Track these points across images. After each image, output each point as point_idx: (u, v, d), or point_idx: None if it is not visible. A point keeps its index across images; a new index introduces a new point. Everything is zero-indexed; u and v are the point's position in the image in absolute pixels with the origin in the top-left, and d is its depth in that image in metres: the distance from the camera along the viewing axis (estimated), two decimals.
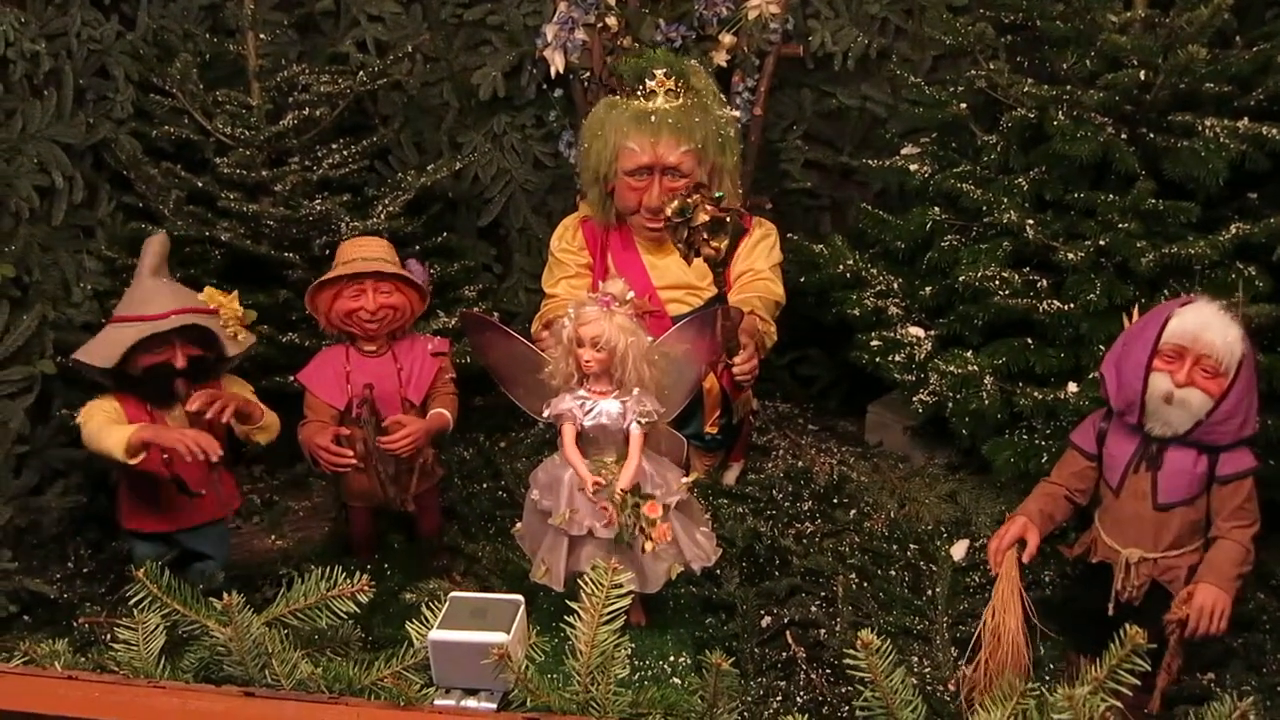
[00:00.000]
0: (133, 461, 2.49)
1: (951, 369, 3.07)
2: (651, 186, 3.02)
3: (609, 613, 1.68)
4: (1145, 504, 2.30)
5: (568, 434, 2.43)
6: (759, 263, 3.16)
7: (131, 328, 2.56)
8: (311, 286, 2.77)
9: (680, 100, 3.01)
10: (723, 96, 3.17)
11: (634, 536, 2.38)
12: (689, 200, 2.58)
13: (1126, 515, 2.34)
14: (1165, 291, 2.89)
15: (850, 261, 3.38)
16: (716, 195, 2.63)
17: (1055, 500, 2.42)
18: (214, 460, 2.50)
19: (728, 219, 2.63)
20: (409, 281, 2.77)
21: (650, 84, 3.00)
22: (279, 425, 2.79)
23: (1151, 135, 2.97)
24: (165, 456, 2.59)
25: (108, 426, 2.52)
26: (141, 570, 1.82)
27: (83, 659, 1.80)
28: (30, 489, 2.94)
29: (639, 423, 2.40)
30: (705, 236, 2.58)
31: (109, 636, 1.88)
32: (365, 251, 2.78)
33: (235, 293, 2.73)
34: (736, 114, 3.22)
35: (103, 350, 2.57)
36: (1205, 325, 2.18)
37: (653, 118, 2.98)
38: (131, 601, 1.83)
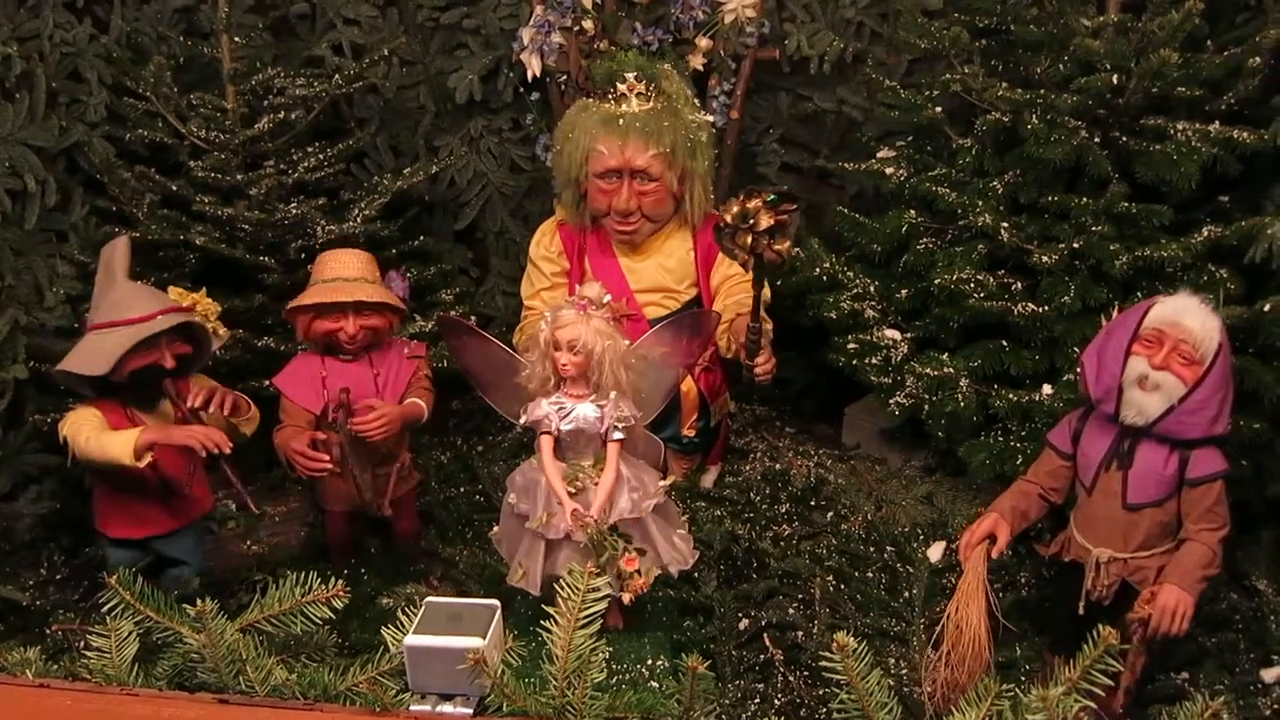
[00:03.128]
0: (141, 464, 2.45)
1: (927, 371, 3.08)
2: (621, 189, 3.03)
3: (585, 617, 1.68)
4: (1115, 503, 2.33)
5: (546, 446, 2.42)
6: None
7: (118, 332, 2.50)
8: (289, 308, 2.75)
9: (651, 104, 3.01)
10: (696, 101, 3.17)
11: (612, 577, 2.36)
12: (749, 205, 2.58)
13: (1098, 514, 2.36)
14: (1139, 294, 2.91)
15: (827, 264, 3.38)
16: (770, 198, 2.62)
17: (1029, 498, 2.45)
18: (226, 452, 2.48)
19: (789, 222, 2.62)
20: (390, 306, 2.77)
21: (621, 87, 3.00)
22: (259, 417, 2.78)
23: (1124, 139, 2.99)
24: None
25: (104, 433, 2.48)
26: (114, 577, 1.81)
27: (55, 667, 1.78)
28: (3, 495, 2.93)
29: (617, 429, 2.40)
30: (768, 241, 2.58)
31: (82, 644, 1.87)
32: (345, 270, 2.75)
33: (203, 289, 2.73)
34: (710, 118, 3.22)
35: (92, 359, 2.50)
36: (1185, 311, 2.24)
37: (621, 121, 2.98)
38: (104, 608, 1.81)
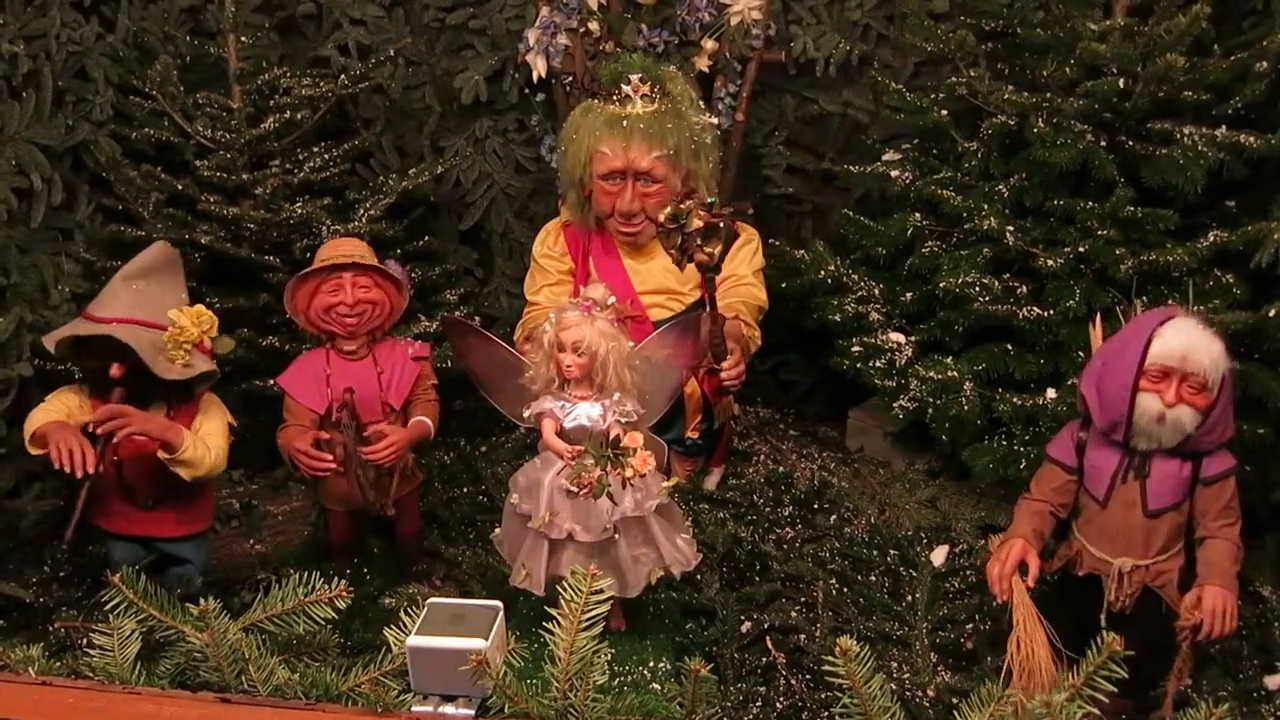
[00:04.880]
0: (34, 451, 2.48)
1: (932, 375, 3.07)
2: (624, 191, 3.03)
3: (588, 618, 1.68)
4: (1135, 512, 2.30)
5: (547, 427, 2.42)
6: (741, 268, 3.17)
7: (76, 324, 2.56)
8: (290, 284, 2.75)
9: (655, 106, 3.01)
10: (700, 103, 3.17)
11: (609, 484, 2.26)
12: (682, 206, 2.58)
13: (1115, 525, 2.33)
14: (1144, 298, 2.90)
15: (831, 267, 3.38)
16: (709, 201, 2.63)
17: (1042, 517, 2.39)
18: (77, 475, 2.42)
19: (721, 225, 2.63)
20: (388, 276, 2.77)
21: (625, 89, 3.01)
22: (211, 465, 2.59)
23: (1130, 143, 2.99)
24: (115, 459, 2.58)
25: (40, 412, 2.53)
26: (118, 575, 1.81)
27: (58, 664, 1.78)
28: (6, 492, 2.93)
29: (619, 423, 2.40)
30: (699, 242, 2.59)
31: (85, 642, 1.87)
32: (343, 250, 2.77)
33: (212, 318, 2.64)
34: (714, 120, 3.21)
35: (53, 337, 2.57)
36: (1192, 346, 2.17)
37: (625, 122, 2.99)
38: (107, 606, 1.81)
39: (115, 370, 2.53)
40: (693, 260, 2.63)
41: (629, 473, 2.27)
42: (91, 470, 2.42)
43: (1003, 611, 2.65)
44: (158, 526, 2.69)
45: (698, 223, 2.57)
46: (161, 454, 2.54)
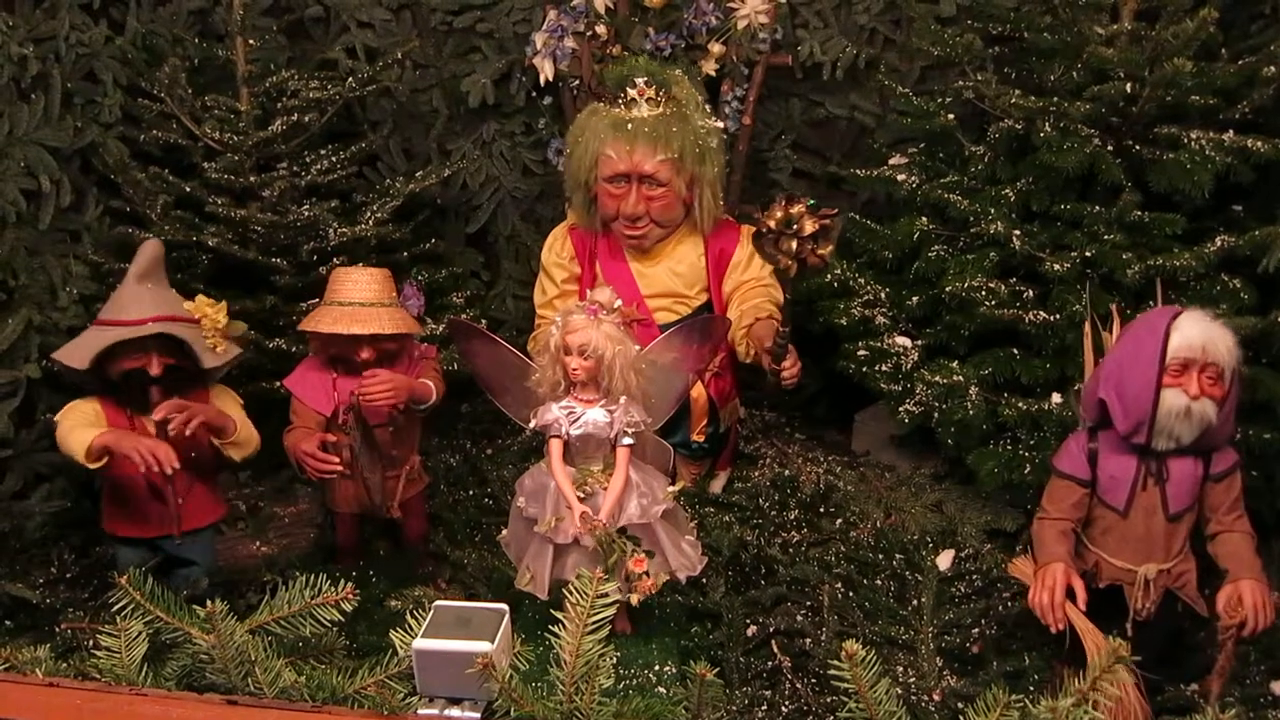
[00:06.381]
0: (93, 466, 2.47)
1: (937, 379, 3.07)
2: (629, 194, 3.03)
3: (594, 622, 1.68)
4: (1157, 518, 2.30)
5: (555, 450, 2.42)
6: (756, 270, 3.16)
7: (107, 332, 2.55)
8: (304, 324, 2.75)
9: (660, 109, 3.01)
10: (707, 107, 3.17)
11: (620, 579, 2.36)
12: (792, 211, 2.57)
13: (1137, 533, 2.32)
14: (1150, 303, 2.90)
15: (838, 271, 3.38)
16: (811, 203, 2.62)
17: (1068, 536, 2.37)
18: (168, 472, 2.45)
19: (830, 225, 2.61)
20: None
21: (631, 92, 3.01)
22: (257, 443, 2.74)
23: (1137, 147, 2.99)
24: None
25: (76, 429, 2.51)
26: (124, 577, 1.82)
27: (64, 666, 1.79)
28: (14, 493, 2.93)
29: (626, 434, 2.40)
30: (812, 246, 2.57)
31: (91, 643, 1.87)
32: (361, 293, 2.72)
33: (224, 304, 2.70)
34: (719, 124, 3.21)
35: (78, 352, 2.56)
36: (1209, 337, 2.20)
37: (629, 125, 2.99)
38: (114, 608, 1.82)
39: (157, 368, 2.57)
40: (805, 264, 2.60)
41: (634, 599, 2.39)
42: (177, 465, 2.46)
43: (1009, 614, 2.66)
44: (167, 525, 2.69)
45: (811, 226, 2.55)
46: (215, 440, 2.64)
